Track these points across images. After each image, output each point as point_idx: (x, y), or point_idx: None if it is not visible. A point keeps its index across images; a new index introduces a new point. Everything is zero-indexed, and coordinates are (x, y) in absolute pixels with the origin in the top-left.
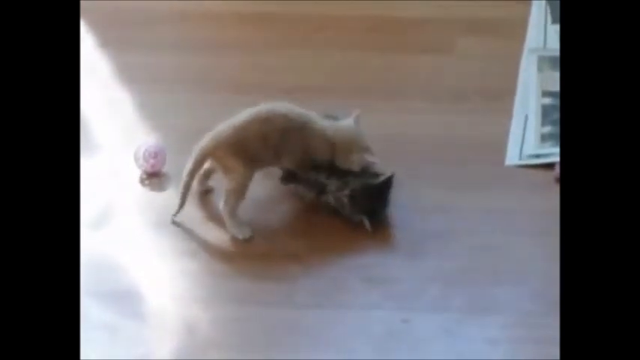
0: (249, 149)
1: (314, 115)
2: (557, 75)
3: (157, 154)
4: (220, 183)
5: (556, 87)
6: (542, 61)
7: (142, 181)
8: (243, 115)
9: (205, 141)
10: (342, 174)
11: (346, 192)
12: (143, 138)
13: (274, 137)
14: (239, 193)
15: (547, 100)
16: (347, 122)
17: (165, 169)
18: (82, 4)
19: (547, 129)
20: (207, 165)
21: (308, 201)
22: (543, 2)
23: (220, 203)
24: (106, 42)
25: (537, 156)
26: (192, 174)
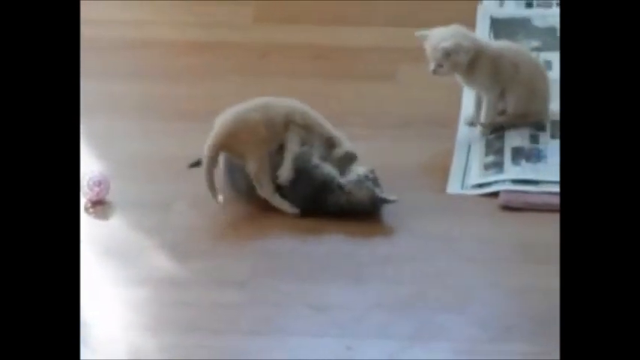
0: (256, 133)
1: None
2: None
3: (100, 182)
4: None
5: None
6: None
7: (86, 209)
8: (242, 106)
9: (213, 137)
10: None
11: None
12: (87, 166)
13: (278, 124)
14: (264, 171)
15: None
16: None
17: (109, 197)
18: None
19: (490, 158)
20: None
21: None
22: (487, 28)
23: (257, 190)
24: None
25: (480, 185)
26: (210, 172)
